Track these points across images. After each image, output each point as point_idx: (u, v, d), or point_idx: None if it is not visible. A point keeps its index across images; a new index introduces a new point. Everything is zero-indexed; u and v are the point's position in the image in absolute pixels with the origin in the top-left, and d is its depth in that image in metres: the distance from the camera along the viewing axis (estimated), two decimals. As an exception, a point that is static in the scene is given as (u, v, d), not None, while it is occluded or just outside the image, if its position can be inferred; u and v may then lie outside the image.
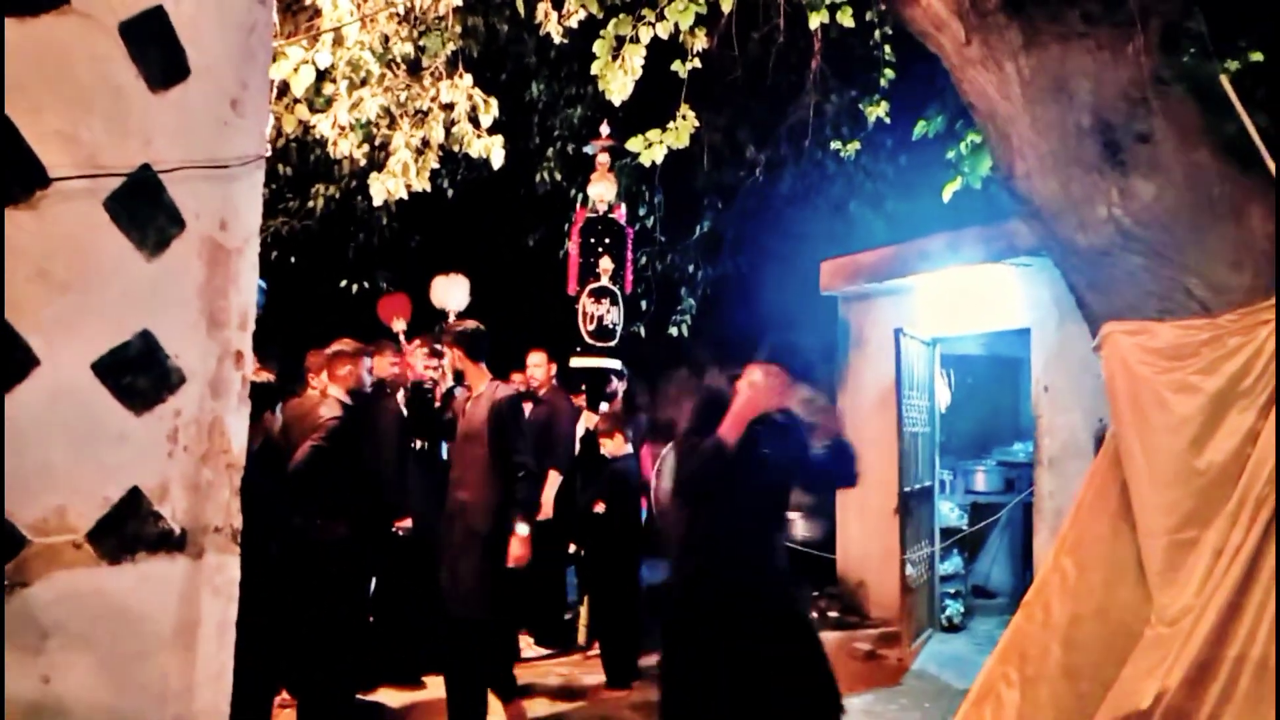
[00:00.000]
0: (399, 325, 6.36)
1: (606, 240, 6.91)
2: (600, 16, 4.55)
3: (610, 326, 6.88)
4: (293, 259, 8.21)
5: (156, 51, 1.64)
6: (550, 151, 8.26)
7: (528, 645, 5.90)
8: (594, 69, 4.51)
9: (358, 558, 4.40)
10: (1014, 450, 7.88)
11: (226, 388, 1.73)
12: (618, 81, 4.48)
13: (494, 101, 4.87)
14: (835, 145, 6.73)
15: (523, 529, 4.10)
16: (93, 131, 1.57)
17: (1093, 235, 2.99)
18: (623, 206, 7.22)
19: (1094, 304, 3.17)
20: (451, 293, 6.68)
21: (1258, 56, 3.72)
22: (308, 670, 4.23)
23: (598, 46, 4.45)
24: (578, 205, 7.52)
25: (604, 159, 6.97)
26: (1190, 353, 2.90)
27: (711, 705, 2.86)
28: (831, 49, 5.61)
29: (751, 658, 2.85)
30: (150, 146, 1.63)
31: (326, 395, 4.35)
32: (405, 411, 5.13)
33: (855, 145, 6.56)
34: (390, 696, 4.96)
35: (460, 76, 4.86)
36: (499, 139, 4.93)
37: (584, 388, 6.59)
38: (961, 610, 6.73)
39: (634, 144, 4.91)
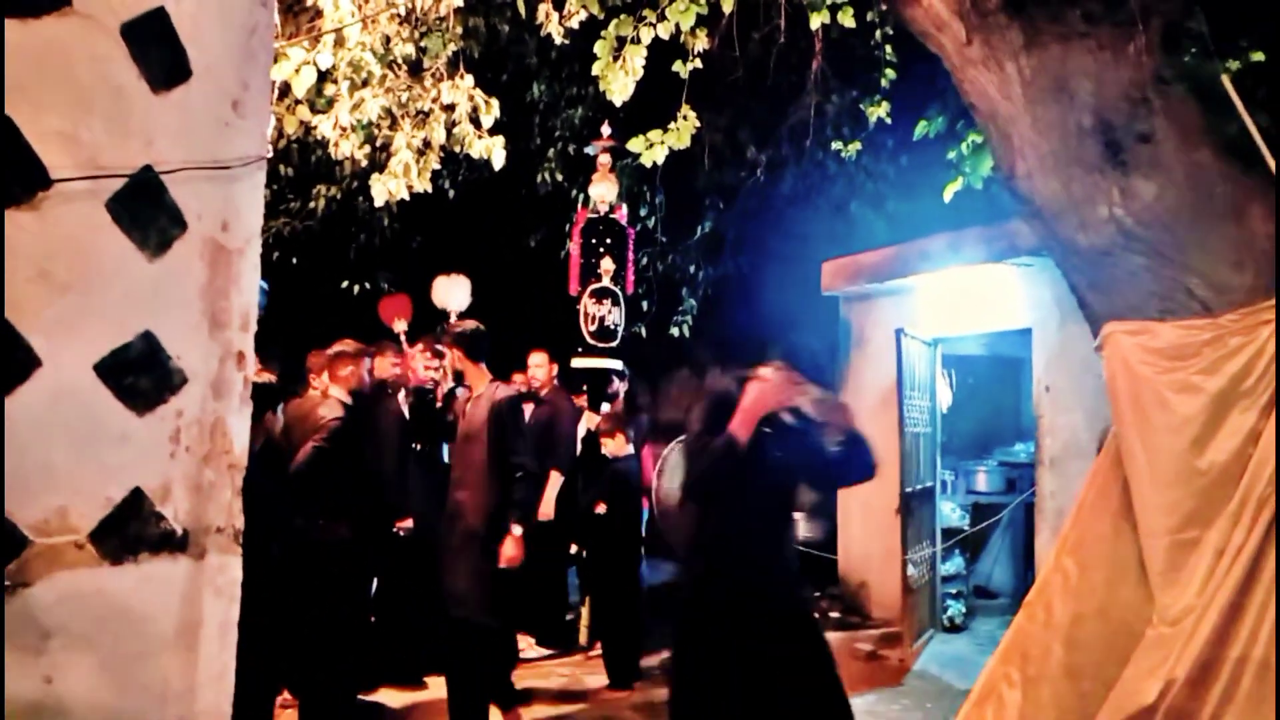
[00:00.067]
0: (400, 326, 6.36)
1: (608, 241, 6.91)
2: (601, 17, 4.55)
3: (612, 327, 6.88)
4: (294, 260, 8.21)
5: (158, 52, 1.64)
6: (551, 152, 8.26)
7: (529, 646, 5.90)
8: (595, 70, 4.51)
9: (359, 558, 4.40)
10: (1015, 450, 7.87)
11: (228, 388, 1.73)
12: (619, 82, 4.48)
13: (495, 102, 4.88)
14: (836, 145, 6.73)
15: (517, 530, 4.09)
16: (94, 132, 1.57)
17: (1094, 235, 2.99)
18: (624, 207, 7.22)
19: (1095, 304, 3.17)
20: (453, 293, 6.68)
21: (1259, 56, 3.71)
22: (309, 670, 4.23)
23: (599, 47, 4.45)
24: (579, 206, 7.52)
25: (605, 159, 6.97)
26: (1192, 353, 2.90)
27: (720, 706, 2.85)
28: (832, 49, 5.60)
29: (760, 658, 2.84)
30: (152, 147, 1.63)
31: (328, 396, 4.35)
32: (407, 414, 5.14)
33: (856, 145, 6.56)
34: (391, 697, 4.96)
35: (461, 77, 4.86)
36: (500, 140, 4.94)
37: (585, 388, 6.59)
38: (963, 610, 6.73)
39: (635, 144, 4.91)
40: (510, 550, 4.08)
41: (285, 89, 4.33)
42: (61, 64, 1.55)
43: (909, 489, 5.98)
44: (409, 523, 5.01)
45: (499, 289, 8.26)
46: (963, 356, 7.99)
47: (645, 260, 8.79)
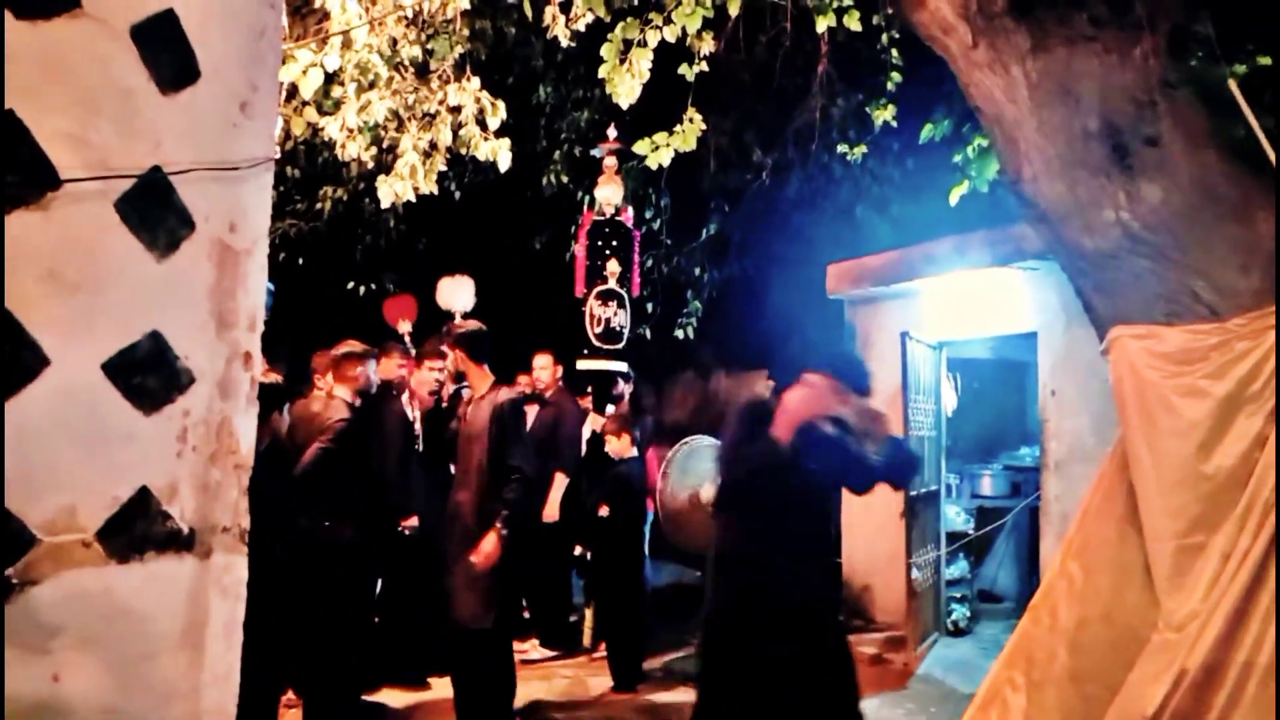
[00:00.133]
0: (404, 326, 6.38)
1: (613, 243, 6.92)
2: (608, 20, 4.56)
3: (617, 329, 6.89)
4: (300, 261, 8.24)
5: (167, 54, 1.65)
6: (557, 154, 8.27)
7: (533, 647, 5.91)
8: (601, 72, 4.52)
9: (364, 559, 4.41)
10: (1020, 454, 7.85)
11: (235, 388, 1.74)
12: (625, 85, 4.49)
13: (501, 104, 4.89)
14: (842, 149, 6.73)
15: (501, 529, 4.03)
16: (103, 133, 1.57)
17: (1100, 239, 2.98)
18: (629, 209, 7.24)
19: (1101, 308, 3.16)
20: (457, 294, 6.71)
21: (1265, 60, 3.71)
22: (314, 671, 4.24)
23: (605, 50, 4.45)
24: (585, 208, 7.53)
25: (611, 162, 6.98)
26: (1198, 357, 2.89)
27: (746, 713, 2.85)
28: (838, 52, 5.61)
29: (786, 667, 2.82)
30: (160, 148, 1.63)
31: (333, 396, 4.36)
32: (419, 429, 5.15)
33: (862, 149, 6.56)
34: (395, 697, 4.97)
35: (468, 79, 4.88)
36: (506, 142, 4.95)
37: (590, 390, 6.60)
38: (967, 614, 6.71)
39: (641, 147, 4.92)
40: (488, 547, 4.00)
41: (293, 91, 4.35)
42: (71, 65, 1.55)
43: (913, 493, 5.97)
44: (414, 520, 5.02)
45: (504, 291, 8.28)
46: (968, 360, 7.97)
47: (650, 262, 8.80)
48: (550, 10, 4.69)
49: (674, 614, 6.41)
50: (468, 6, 4.63)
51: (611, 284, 6.86)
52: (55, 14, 1.54)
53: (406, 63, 4.78)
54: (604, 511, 5.50)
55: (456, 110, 4.89)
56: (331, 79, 4.49)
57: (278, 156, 1.92)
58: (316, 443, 4.12)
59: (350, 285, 8.92)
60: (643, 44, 4.43)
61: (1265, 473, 2.76)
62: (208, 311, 1.69)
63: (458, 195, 8.14)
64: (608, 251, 6.89)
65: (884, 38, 5.39)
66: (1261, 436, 2.79)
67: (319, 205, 7.71)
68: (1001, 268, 6.01)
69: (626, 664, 5.34)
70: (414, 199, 5.01)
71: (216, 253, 1.71)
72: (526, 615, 6.15)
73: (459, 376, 5.09)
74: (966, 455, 7.95)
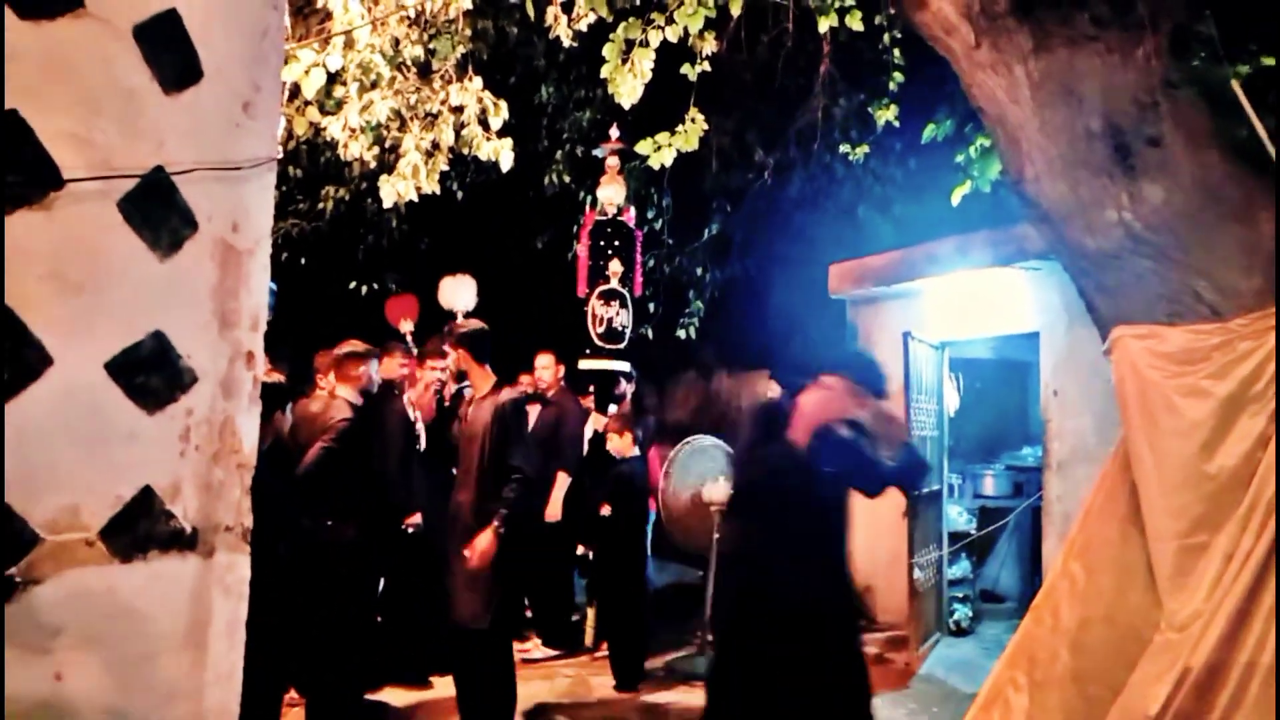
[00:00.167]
0: (406, 326, 6.38)
1: (615, 243, 6.93)
2: (610, 20, 4.56)
3: (619, 329, 6.89)
4: (303, 260, 8.25)
5: (170, 54, 1.65)
6: (559, 154, 8.28)
7: (535, 646, 5.91)
8: (603, 72, 4.52)
9: (366, 558, 4.41)
10: (1023, 454, 7.84)
11: (238, 388, 1.74)
12: (627, 85, 4.49)
13: (503, 104, 4.89)
14: (844, 149, 6.72)
15: (498, 527, 4.00)
16: (106, 133, 1.58)
17: (1102, 239, 2.98)
18: (632, 209, 7.24)
19: (1103, 308, 3.16)
20: (459, 294, 6.71)
21: (1268, 60, 3.70)
22: (316, 670, 4.24)
23: (607, 50, 4.45)
24: (587, 208, 7.54)
25: (613, 162, 6.99)
26: (1200, 357, 2.89)
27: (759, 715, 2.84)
28: (840, 52, 5.61)
29: (801, 669, 2.82)
30: (163, 148, 1.64)
31: (335, 396, 4.37)
32: (423, 441, 5.16)
33: (864, 149, 6.55)
34: (397, 696, 4.97)
35: (470, 79, 4.88)
36: (508, 142, 4.95)
37: (592, 389, 6.60)
38: (969, 614, 6.70)
39: (643, 147, 4.92)
40: (482, 544, 3.97)
41: (295, 91, 4.35)
42: (74, 65, 1.56)
43: (915, 493, 5.97)
44: (418, 518, 5.02)
45: (506, 290, 8.28)
46: (970, 360, 7.97)
47: (653, 262, 8.80)
48: (552, 10, 4.69)
49: (676, 614, 6.41)
50: (470, 6, 4.63)
51: (613, 284, 6.86)
52: (58, 14, 1.54)
53: (409, 63, 4.78)
54: (606, 511, 5.50)
55: (459, 110, 4.89)
56: (334, 79, 4.49)
57: (280, 156, 1.92)
58: (319, 442, 4.12)
59: (352, 285, 8.93)
60: (645, 44, 4.43)
61: (1268, 473, 2.76)
62: (210, 311, 1.70)
63: (460, 195, 8.15)
64: (610, 251, 6.89)
65: (886, 38, 5.38)
66: (1264, 436, 2.79)
67: (321, 205, 7.72)
68: (1004, 268, 6.00)
69: (628, 663, 5.33)
70: (416, 199, 5.01)
71: (219, 252, 1.71)
72: (529, 614, 6.16)
73: (461, 376, 5.09)
74: (969, 455, 7.95)
